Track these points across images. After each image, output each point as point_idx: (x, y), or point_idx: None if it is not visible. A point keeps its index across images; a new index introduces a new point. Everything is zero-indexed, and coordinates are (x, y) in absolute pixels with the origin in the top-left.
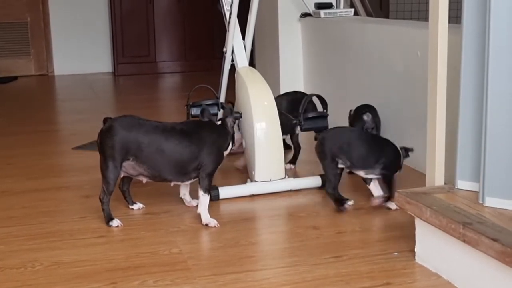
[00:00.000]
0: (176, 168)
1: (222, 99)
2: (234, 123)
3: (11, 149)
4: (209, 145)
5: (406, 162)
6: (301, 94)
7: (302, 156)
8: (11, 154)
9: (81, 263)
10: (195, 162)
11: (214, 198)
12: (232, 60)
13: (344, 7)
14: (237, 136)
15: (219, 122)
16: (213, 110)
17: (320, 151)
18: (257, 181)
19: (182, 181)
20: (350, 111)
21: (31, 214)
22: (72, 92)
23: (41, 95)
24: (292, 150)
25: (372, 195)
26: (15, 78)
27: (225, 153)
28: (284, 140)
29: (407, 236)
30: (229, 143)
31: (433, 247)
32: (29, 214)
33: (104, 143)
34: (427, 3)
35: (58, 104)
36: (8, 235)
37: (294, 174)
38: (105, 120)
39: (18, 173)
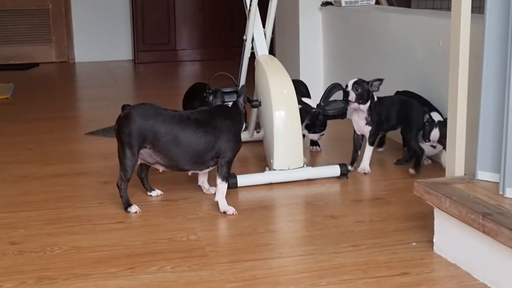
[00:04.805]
0: (193, 157)
1: None
2: (245, 102)
3: (31, 134)
4: (226, 132)
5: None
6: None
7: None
8: (31, 140)
9: (100, 248)
10: (213, 151)
11: (232, 186)
12: (252, 48)
13: None
14: None
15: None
16: (232, 97)
17: None
18: (275, 170)
19: (200, 170)
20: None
21: (51, 199)
22: (92, 79)
23: (61, 81)
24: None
25: None
26: (37, 64)
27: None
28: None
29: (425, 226)
30: (243, 123)
31: (451, 237)
32: (48, 199)
33: (121, 130)
34: None
35: (78, 91)
36: (27, 219)
37: (312, 163)
38: (124, 107)
39: (38, 158)
